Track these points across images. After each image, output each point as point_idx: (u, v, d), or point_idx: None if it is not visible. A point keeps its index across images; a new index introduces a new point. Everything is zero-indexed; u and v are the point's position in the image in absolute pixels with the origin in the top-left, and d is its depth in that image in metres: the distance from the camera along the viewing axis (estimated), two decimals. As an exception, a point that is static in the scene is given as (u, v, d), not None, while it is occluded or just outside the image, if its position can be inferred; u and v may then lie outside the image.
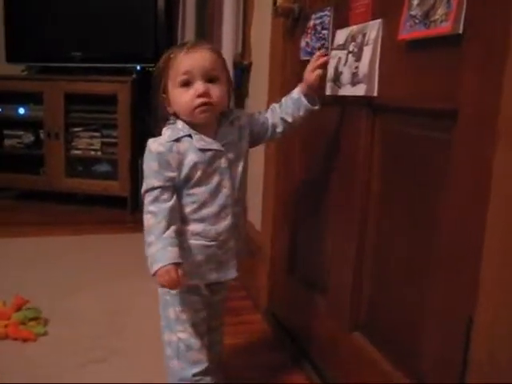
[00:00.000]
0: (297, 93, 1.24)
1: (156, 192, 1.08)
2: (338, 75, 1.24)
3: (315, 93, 1.25)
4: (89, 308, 1.86)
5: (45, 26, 3.35)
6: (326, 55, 1.27)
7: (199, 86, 1.07)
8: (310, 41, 1.44)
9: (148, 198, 1.09)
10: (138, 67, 3.31)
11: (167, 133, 1.11)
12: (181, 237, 1.11)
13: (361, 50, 1.14)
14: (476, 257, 0.81)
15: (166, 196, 1.08)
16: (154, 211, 1.08)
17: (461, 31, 0.84)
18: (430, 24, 0.90)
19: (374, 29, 1.11)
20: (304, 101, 1.23)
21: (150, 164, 1.09)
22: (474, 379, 0.84)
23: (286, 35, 1.65)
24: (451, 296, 0.89)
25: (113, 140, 3.27)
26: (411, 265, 1.04)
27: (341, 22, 1.28)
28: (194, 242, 1.13)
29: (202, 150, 1.10)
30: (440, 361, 0.93)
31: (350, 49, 1.19)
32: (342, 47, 1.23)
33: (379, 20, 1.10)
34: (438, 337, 0.93)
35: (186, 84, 1.08)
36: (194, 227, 1.12)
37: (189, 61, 1.08)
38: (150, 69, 3.27)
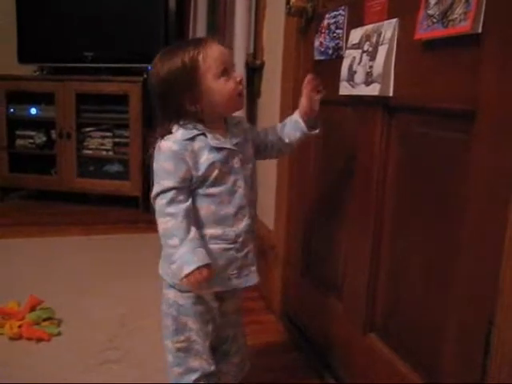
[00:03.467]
0: (295, 115, 1.25)
1: (171, 193, 1.04)
2: (351, 74, 1.24)
3: (315, 117, 1.24)
4: (102, 309, 1.87)
5: (56, 27, 3.37)
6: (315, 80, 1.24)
7: (237, 73, 1.11)
8: (324, 40, 1.43)
9: (162, 201, 1.05)
10: (149, 67, 3.31)
11: (179, 131, 1.08)
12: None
13: (376, 49, 1.14)
14: (496, 258, 0.80)
15: (181, 197, 1.05)
16: (173, 212, 1.04)
17: (480, 31, 0.83)
18: (448, 23, 0.89)
19: (389, 28, 1.10)
20: (301, 123, 1.23)
21: (163, 164, 1.06)
22: (494, 381, 0.83)
23: (300, 35, 1.64)
24: (471, 298, 0.88)
25: (124, 140, 3.29)
26: (429, 266, 1.03)
27: (355, 21, 1.27)
28: (213, 246, 1.10)
29: (217, 149, 1.08)
30: (459, 362, 0.92)
31: (365, 48, 1.18)
32: (357, 46, 1.22)
33: (395, 19, 1.09)
34: (456, 338, 0.92)
35: (224, 73, 1.09)
36: (212, 230, 1.10)
37: (222, 50, 1.10)
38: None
